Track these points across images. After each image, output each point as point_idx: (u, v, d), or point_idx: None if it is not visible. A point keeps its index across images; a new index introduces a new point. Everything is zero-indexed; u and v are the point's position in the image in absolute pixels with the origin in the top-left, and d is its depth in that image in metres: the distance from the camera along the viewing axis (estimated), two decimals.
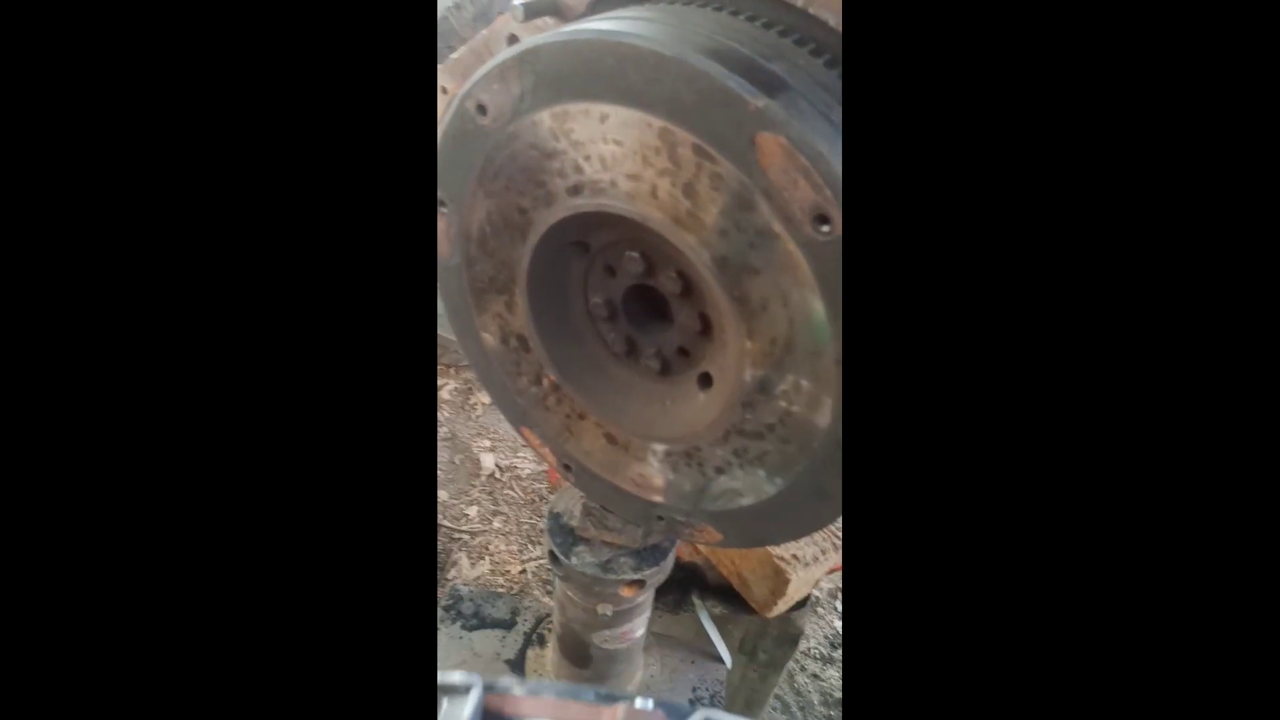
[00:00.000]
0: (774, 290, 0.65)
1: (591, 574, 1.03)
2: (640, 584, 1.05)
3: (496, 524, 2.22)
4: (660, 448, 0.90)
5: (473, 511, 2.25)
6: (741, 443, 0.81)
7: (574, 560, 1.04)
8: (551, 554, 1.07)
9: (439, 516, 2.19)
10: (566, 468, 1.01)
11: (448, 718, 0.52)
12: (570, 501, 1.10)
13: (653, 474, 0.93)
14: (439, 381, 2.61)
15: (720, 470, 0.85)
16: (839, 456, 0.74)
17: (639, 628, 1.19)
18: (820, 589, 2.18)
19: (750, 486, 0.84)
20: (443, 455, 2.39)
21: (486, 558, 2.12)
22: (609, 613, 1.08)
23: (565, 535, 1.07)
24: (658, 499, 0.93)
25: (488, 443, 2.45)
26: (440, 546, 2.08)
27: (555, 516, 1.10)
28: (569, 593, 1.12)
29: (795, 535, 0.87)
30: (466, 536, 2.17)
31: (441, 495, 2.28)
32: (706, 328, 0.80)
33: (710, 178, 0.60)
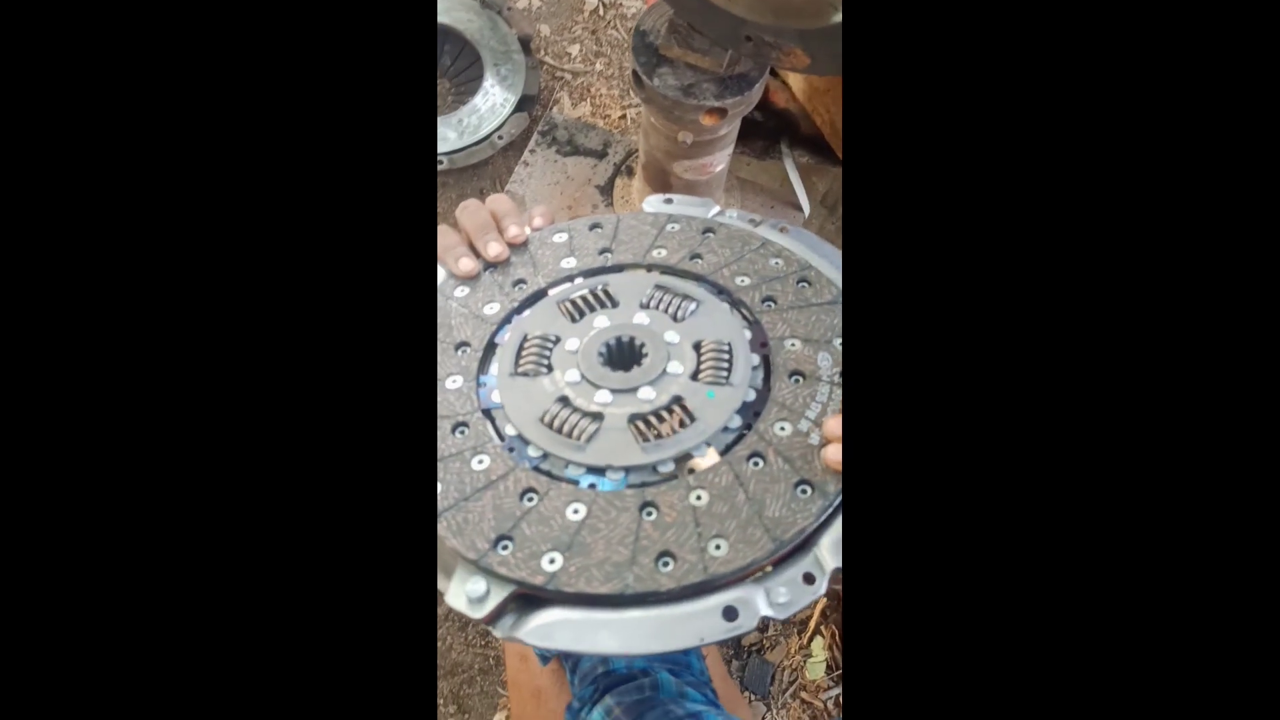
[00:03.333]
0: None
1: (673, 97, 1.02)
2: (721, 113, 1.04)
3: (599, 66, 2.16)
4: None
5: (575, 50, 2.18)
6: None
7: (656, 82, 1.02)
8: (634, 74, 1.05)
9: (542, 53, 2.14)
10: None
11: None
12: (657, 19, 1.04)
13: None
14: None
15: None
16: None
17: (719, 163, 1.21)
18: None
19: None
20: None
21: (588, 99, 2.11)
22: (689, 140, 1.10)
23: (650, 54, 1.03)
24: (747, 15, 0.86)
25: None
26: (542, 84, 2.07)
27: (641, 34, 1.05)
28: (652, 119, 1.13)
29: None
30: (569, 76, 2.14)
31: (544, 30, 2.19)
32: None
33: None
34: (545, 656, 0.77)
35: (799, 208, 1.50)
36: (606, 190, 1.45)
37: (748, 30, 0.90)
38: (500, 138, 1.82)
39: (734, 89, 1.02)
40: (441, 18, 1.89)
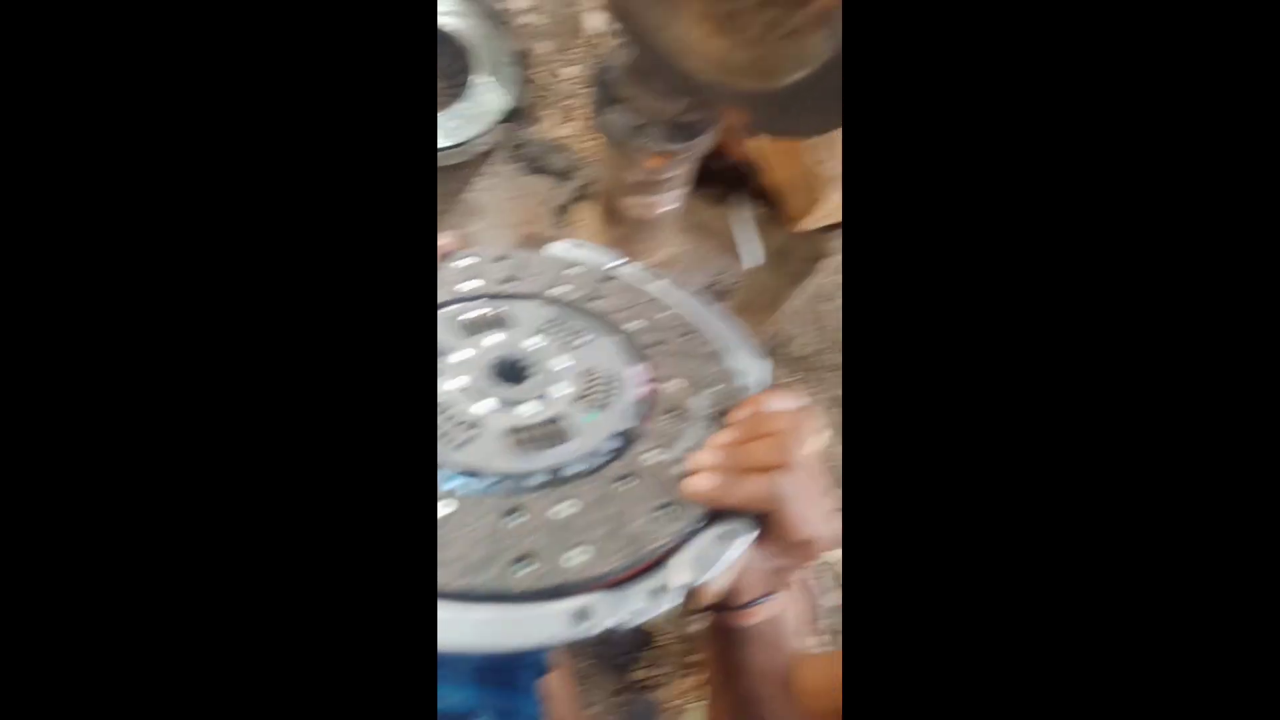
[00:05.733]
0: None
1: (620, 135, 1.04)
2: (666, 157, 1.07)
3: None
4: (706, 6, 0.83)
5: (570, 71, 2.22)
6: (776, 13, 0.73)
7: (607, 117, 1.05)
8: (593, 104, 1.08)
9: (536, 69, 2.17)
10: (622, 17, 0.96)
11: None
12: (622, 56, 1.07)
13: (700, 41, 0.88)
14: None
15: (756, 41, 0.79)
16: None
17: (667, 204, 1.24)
18: None
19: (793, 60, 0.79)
20: (546, 7, 2.27)
21: (576, 119, 2.14)
22: (634, 179, 1.12)
23: (606, 89, 1.06)
24: (701, 67, 0.89)
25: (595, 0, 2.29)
26: (532, 100, 2.10)
27: (605, 69, 1.08)
28: (605, 150, 1.15)
29: (820, 129, 0.84)
30: (560, 96, 2.17)
31: (541, 48, 2.23)
32: None
33: None
34: None
35: (746, 255, 1.53)
36: (563, 212, 1.47)
37: (698, 81, 0.93)
38: (479, 147, 1.84)
39: (680, 136, 1.05)
40: (439, 20, 1.92)
